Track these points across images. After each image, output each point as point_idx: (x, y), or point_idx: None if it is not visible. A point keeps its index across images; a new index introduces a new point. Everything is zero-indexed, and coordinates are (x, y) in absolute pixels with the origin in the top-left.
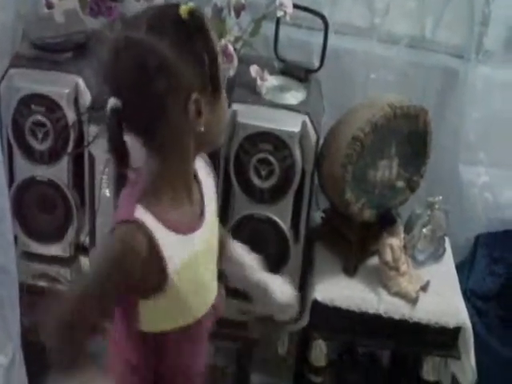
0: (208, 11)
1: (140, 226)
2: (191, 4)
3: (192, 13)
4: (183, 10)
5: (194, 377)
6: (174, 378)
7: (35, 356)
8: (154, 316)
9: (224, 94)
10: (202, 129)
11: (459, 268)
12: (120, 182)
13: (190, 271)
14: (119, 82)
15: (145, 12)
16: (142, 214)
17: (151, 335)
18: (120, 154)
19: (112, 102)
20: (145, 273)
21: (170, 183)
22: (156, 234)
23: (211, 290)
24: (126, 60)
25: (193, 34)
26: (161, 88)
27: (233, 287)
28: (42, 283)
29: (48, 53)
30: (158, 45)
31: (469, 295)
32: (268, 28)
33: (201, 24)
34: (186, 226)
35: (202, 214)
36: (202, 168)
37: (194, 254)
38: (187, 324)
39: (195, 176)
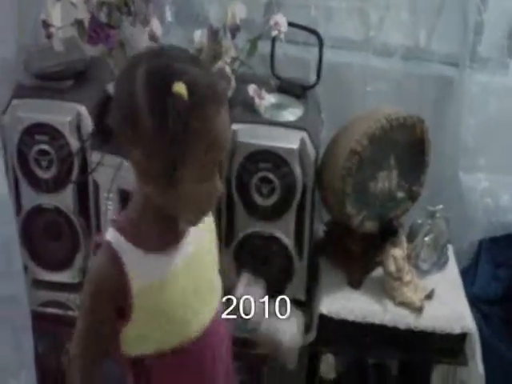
0: (204, 33)
1: (108, 247)
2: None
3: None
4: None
5: None
6: None
7: (50, 382)
8: (133, 338)
9: (196, 186)
10: (147, 190)
11: (464, 273)
12: (124, 207)
13: (165, 290)
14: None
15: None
16: (111, 235)
17: (133, 359)
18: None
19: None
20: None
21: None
22: (122, 252)
23: (202, 309)
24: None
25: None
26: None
27: None
28: (52, 310)
29: (49, 82)
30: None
31: (474, 300)
32: (264, 46)
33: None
34: (164, 245)
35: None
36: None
37: (170, 273)
38: (173, 347)
39: None
